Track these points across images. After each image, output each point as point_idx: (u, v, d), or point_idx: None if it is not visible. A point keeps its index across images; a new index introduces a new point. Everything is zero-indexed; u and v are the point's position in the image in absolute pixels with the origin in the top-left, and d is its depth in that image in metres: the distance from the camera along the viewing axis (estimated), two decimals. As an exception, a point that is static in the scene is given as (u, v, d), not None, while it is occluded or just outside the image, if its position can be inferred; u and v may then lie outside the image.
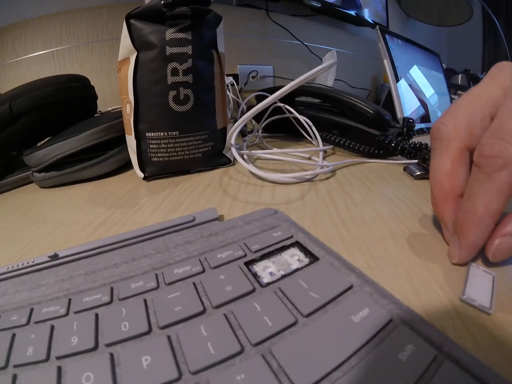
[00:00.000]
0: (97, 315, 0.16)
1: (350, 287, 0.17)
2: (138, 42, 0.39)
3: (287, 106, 0.54)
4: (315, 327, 0.15)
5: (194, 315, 0.16)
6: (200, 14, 0.40)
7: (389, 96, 0.79)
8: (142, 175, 0.43)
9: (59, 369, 0.13)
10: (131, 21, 0.39)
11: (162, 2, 0.37)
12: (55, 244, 0.28)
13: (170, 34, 0.39)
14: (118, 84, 0.43)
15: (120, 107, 0.45)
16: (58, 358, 0.14)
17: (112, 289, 0.18)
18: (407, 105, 0.80)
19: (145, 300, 0.17)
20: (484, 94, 0.22)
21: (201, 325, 0.15)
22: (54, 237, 0.29)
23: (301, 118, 0.53)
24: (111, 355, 0.14)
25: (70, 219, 0.32)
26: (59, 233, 0.30)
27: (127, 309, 0.17)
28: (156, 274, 0.19)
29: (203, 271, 0.19)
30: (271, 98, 0.37)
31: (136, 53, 0.40)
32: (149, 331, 0.15)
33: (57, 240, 0.28)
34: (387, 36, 0.81)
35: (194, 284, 0.18)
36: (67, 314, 0.17)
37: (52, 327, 0.16)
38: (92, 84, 0.60)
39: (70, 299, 0.18)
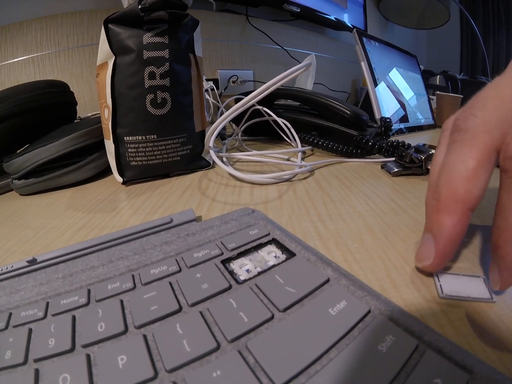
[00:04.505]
0: (74, 317, 0.16)
1: (327, 281, 0.18)
2: (116, 47, 0.39)
3: (265, 109, 0.54)
4: (291, 321, 0.15)
5: (170, 313, 0.16)
6: (177, 19, 0.41)
7: (367, 97, 0.80)
8: (121, 179, 0.43)
9: (37, 371, 0.13)
10: (109, 25, 0.39)
11: (140, 7, 0.37)
12: (35, 250, 0.27)
13: (147, 38, 0.39)
14: (96, 89, 0.43)
15: (100, 113, 0.44)
16: (35, 360, 0.14)
17: (89, 291, 0.18)
18: (386, 106, 0.81)
19: (121, 301, 0.17)
20: None
21: (177, 323, 0.15)
22: (34, 242, 0.29)
23: (279, 120, 0.54)
24: (88, 356, 0.14)
25: (50, 225, 0.32)
26: (39, 239, 0.29)
27: (103, 310, 0.17)
28: (132, 275, 0.19)
29: (180, 270, 0.19)
30: (246, 99, 0.37)
31: (114, 57, 0.40)
32: (125, 331, 0.15)
33: (37, 245, 0.28)
34: (364, 39, 0.82)
35: (170, 283, 0.18)
36: (45, 317, 0.17)
37: (30, 331, 0.16)
38: (72, 90, 0.60)
39: (48, 302, 0.18)
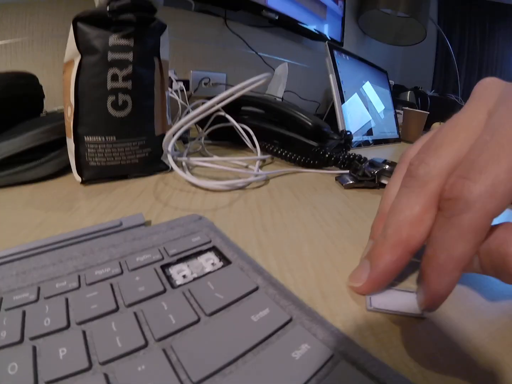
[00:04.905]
0: (24, 312, 0.18)
1: (255, 289, 0.19)
2: (82, 46, 0.39)
3: (227, 115, 0.54)
4: (215, 325, 0.17)
5: (108, 312, 0.18)
6: (144, 22, 0.41)
7: (334, 109, 0.83)
8: (80, 179, 0.43)
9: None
10: (78, 24, 0.39)
11: (108, 8, 0.38)
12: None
13: (113, 39, 0.39)
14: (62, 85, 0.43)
15: (64, 109, 0.44)
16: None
17: (39, 288, 0.20)
18: (354, 119, 0.84)
19: (66, 299, 0.19)
20: (471, 124, 0.19)
21: (113, 321, 0.17)
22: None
23: (239, 126, 0.54)
24: (34, 347, 0.15)
25: (8, 222, 0.32)
26: (-4, 236, 0.29)
27: (50, 306, 0.18)
28: (79, 275, 0.21)
29: (121, 273, 0.21)
30: (203, 107, 0.39)
31: (80, 56, 0.40)
32: (68, 326, 0.17)
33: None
34: (335, 52, 0.85)
35: (111, 284, 0.20)
36: (-2, 311, 0.18)
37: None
38: (43, 80, 0.59)
39: (2, 298, 0.19)
